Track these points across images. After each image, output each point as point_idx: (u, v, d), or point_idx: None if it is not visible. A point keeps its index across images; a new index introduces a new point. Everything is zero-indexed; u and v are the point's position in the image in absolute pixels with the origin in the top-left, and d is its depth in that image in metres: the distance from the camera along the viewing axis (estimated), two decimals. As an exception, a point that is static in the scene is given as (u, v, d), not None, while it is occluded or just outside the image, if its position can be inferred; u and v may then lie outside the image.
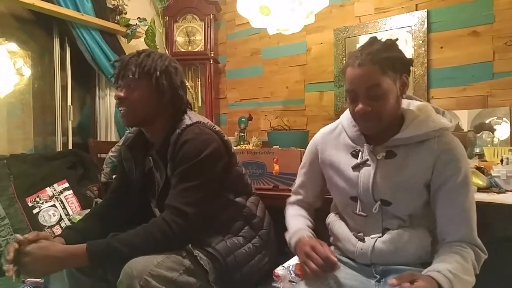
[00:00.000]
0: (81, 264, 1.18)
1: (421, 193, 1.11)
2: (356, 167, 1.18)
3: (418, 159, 1.10)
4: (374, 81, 1.06)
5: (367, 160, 1.16)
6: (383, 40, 1.11)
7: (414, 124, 1.11)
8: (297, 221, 1.29)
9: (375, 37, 1.12)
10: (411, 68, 1.15)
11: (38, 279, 1.60)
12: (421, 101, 1.21)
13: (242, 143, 2.39)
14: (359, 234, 1.18)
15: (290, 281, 1.33)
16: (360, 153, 1.18)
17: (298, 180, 1.41)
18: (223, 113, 3.20)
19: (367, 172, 1.15)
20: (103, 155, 2.64)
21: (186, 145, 1.26)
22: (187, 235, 1.22)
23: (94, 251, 1.15)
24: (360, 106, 1.09)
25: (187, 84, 2.54)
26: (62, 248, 1.17)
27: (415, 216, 1.13)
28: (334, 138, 1.27)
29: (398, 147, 1.13)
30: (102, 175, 2.50)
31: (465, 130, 2.04)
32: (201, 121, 1.34)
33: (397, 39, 1.13)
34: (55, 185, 2.18)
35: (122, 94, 1.31)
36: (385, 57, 1.06)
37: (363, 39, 2.46)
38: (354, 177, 1.17)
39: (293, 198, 1.41)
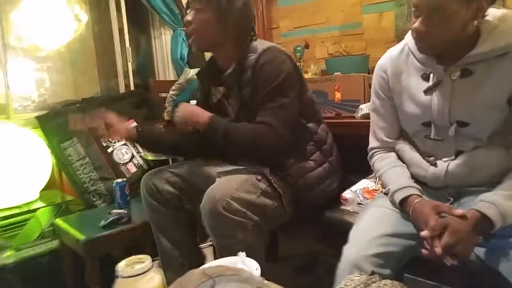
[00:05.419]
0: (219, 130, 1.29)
1: (503, 110, 1.03)
2: (428, 90, 1.09)
3: (499, 73, 1.00)
4: (440, 0, 0.94)
5: (440, 81, 1.06)
6: None
7: (493, 36, 0.99)
8: (396, 174, 1.17)
9: None
10: None
11: (122, 210, 1.74)
12: (499, 8, 1.05)
13: (299, 73, 2.34)
14: (431, 158, 1.13)
15: (358, 203, 1.36)
16: (431, 75, 1.08)
17: (374, 122, 1.27)
18: (277, 43, 3.11)
19: (441, 95, 1.06)
20: (163, 94, 2.71)
21: (265, 68, 1.29)
22: (278, 150, 1.29)
23: (214, 123, 1.28)
24: (416, 24, 0.99)
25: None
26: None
27: (494, 135, 1.05)
28: (403, 61, 1.17)
29: (475, 64, 1.02)
30: (165, 114, 2.60)
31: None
32: (274, 46, 1.37)
33: None
34: (125, 125, 2.30)
35: (189, 17, 1.35)
36: None
37: None
38: (426, 101, 1.10)
39: (374, 144, 1.28)
